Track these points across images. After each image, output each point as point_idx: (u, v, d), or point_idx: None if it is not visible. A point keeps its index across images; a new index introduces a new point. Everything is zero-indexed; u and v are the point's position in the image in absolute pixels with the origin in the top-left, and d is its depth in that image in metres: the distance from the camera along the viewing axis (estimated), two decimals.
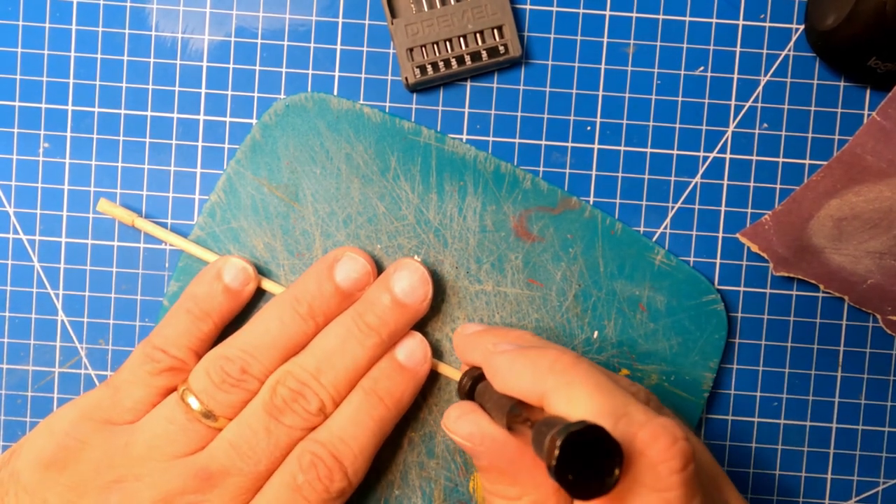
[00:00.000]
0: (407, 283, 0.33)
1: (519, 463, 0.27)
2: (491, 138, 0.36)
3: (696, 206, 0.36)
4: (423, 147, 0.35)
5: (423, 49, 0.35)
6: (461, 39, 0.35)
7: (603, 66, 0.36)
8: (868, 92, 0.36)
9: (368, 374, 0.32)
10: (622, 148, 0.36)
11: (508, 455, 0.28)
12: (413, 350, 0.33)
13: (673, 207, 0.36)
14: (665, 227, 0.36)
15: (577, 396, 0.25)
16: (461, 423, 0.29)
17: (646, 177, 0.36)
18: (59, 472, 0.31)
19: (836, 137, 0.36)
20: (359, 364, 0.32)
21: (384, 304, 0.32)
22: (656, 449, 0.23)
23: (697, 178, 0.36)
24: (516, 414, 0.26)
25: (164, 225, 0.36)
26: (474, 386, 0.31)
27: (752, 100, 0.36)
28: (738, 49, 0.36)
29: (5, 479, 0.31)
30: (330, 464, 0.31)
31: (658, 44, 0.36)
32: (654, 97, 0.36)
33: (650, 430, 0.23)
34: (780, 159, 0.36)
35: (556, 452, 0.21)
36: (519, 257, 0.35)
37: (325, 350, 0.32)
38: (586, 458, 0.22)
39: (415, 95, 0.36)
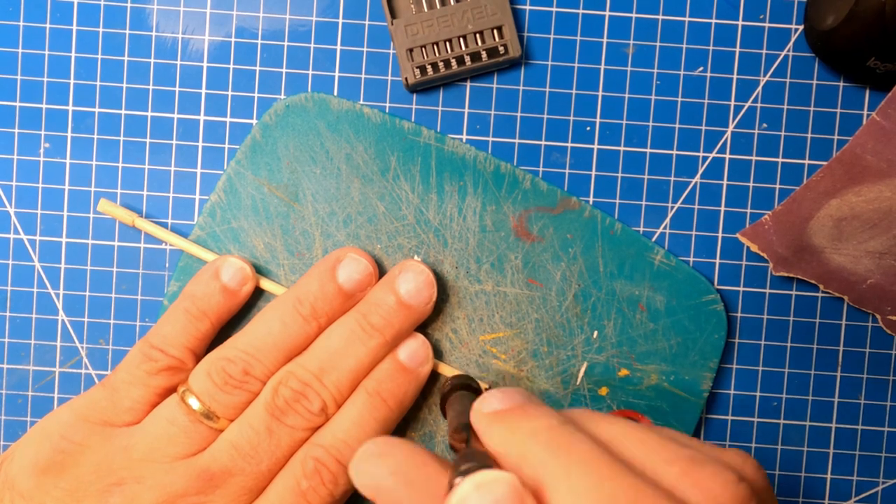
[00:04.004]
0: (412, 284, 0.33)
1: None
2: (491, 138, 0.36)
3: (696, 206, 0.36)
4: (423, 147, 0.35)
5: (423, 49, 0.35)
6: (461, 40, 0.35)
7: (602, 67, 0.36)
8: (867, 92, 0.36)
9: (371, 375, 0.32)
10: (622, 148, 0.36)
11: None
12: (415, 351, 0.33)
13: (672, 207, 0.36)
14: (665, 227, 0.36)
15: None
16: (369, 464, 0.23)
17: (645, 177, 0.36)
18: (57, 476, 0.30)
19: (836, 138, 0.36)
20: (362, 365, 0.32)
21: (389, 305, 0.32)
22: None
23: (697, 179, 0.36)
24: (461, 433, 0.24)
25: (164, 225, 0.36)
26: (451, 392, 0.31)
27: (751, 100, 0.36)
28: (737, 49, 0.36)
29: None
30: (334, 468, 0.31)
31: (657, 44, 0.36)
32: (653, 97, 0.36)
33: None
34: (780, 159, 0.36)
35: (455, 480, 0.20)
36: (519, 257, 0.35)
37: (327, 351, 0.32)
38: None
39: (415, 96, 0.36)
